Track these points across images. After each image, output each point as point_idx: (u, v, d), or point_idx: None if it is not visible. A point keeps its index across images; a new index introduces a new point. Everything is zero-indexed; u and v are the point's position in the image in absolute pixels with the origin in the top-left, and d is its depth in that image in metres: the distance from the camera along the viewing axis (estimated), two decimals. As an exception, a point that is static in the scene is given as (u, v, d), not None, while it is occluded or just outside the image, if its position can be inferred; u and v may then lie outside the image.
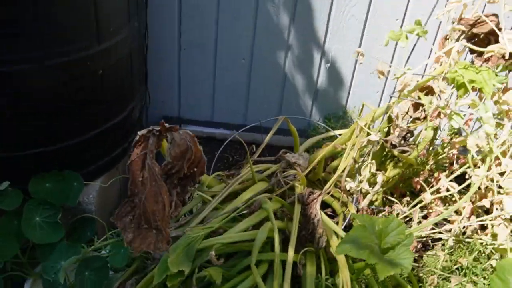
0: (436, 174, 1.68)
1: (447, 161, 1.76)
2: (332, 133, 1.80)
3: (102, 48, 1.33)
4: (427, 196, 1.50)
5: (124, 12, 1.42)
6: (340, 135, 1.69)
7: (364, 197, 1.48)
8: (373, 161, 1.38)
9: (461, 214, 1.53)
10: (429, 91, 1.69)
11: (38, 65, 1.22)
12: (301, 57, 2.03)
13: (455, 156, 1.71)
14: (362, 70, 2.07)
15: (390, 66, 1.84)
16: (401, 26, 1.95)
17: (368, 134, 1.44)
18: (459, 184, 1.51)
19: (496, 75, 1.45)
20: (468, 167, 1.64)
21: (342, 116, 2.18)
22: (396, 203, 1.64)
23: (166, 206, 0.92)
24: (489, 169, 1.34)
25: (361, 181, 1.42)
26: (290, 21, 1.94)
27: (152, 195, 0.90)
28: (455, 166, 1.67)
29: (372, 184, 1.47)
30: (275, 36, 1.98)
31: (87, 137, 1.46)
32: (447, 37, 1.73)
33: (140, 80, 1.70)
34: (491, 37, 1.48)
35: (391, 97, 1.57)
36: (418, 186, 1.62)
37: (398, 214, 1.63)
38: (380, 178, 1.41)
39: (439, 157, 1.73)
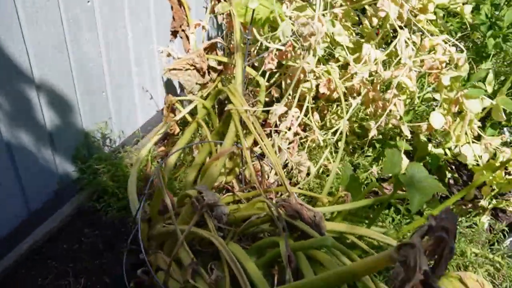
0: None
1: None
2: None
3: None
4: (289, 134, 1.54)
5: None
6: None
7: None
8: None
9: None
10: (210, 48, 1.57)
11: None
12: (15, 107, 1.38)
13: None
14: (81, 81, 1.61)
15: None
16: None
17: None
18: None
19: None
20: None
21: (86, 136, 1.72)
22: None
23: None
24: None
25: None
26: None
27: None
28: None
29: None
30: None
31: None
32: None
33: None
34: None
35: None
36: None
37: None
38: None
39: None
